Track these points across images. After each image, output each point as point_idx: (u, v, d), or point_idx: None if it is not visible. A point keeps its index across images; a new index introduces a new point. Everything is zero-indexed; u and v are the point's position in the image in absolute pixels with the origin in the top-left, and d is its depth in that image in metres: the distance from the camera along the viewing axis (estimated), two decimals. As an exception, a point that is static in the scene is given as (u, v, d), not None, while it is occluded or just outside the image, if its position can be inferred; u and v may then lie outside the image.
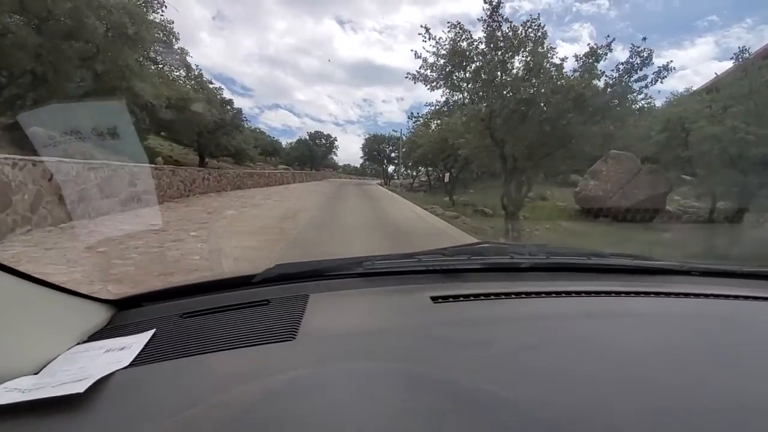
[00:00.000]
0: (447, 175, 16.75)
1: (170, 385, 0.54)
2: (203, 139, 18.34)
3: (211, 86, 18.62)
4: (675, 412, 0.45)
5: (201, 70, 17.85)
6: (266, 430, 0.37)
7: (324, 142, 50.04)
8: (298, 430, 0.37)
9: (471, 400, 0.42)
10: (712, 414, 0.45)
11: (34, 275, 0.62)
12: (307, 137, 49.17)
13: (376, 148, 43.98)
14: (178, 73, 16.84)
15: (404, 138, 29.37)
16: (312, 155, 47.85)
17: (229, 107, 19.44)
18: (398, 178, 45.64)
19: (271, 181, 25.98)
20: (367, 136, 44.32)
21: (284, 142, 50.24)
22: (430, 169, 30.83)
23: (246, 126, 25.37)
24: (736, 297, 0.90)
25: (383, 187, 34.36)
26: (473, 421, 0.37)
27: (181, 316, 0.76)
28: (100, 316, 0.75)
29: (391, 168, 44.61)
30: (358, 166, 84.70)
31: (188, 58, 16.01)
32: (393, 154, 41.78)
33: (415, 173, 30.94)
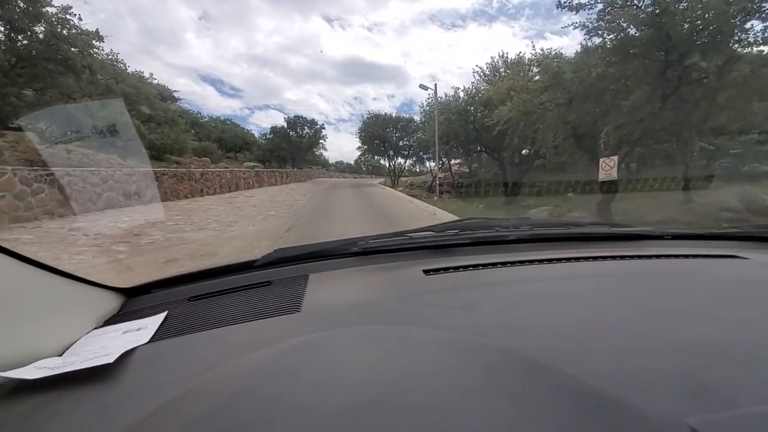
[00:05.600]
0: (614, 160, 5.98)
1: (190, 355, 0.58)
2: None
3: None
4: (639, 352, 0.50)
5: None
6: (281, 380, 0.41)
7: (308, 130, 37.39)
8: (312, 378, 0.40)
9: (460, 348, 0.47)
10: (674, 353, 0.50)
11: (50, 265, 0.64)
12: (285, 125, 36.93)
13: (378, 134, 29.42)
14: None
15: (424, 108, 18.44)
16: (292, 148, 35.89)
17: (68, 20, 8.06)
18: (405, 177, 34.30)
19: (207, 186, 15.18)
20: (365, 118, 29.67)
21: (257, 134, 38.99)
22: (467, 157, 20.15)
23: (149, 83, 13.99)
24: (705, 256, 0.99)
25: (396, 190, 23.15)
26: (462, 363, 0.43)
27: (189, 299, 0.81)
28: (112, 302, 0.79)
29: (398, 161, 32.32)
30: (353, 162, 73.60)
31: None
32: (401, 143, 30.06)
33: (438, 166, 20.03)
